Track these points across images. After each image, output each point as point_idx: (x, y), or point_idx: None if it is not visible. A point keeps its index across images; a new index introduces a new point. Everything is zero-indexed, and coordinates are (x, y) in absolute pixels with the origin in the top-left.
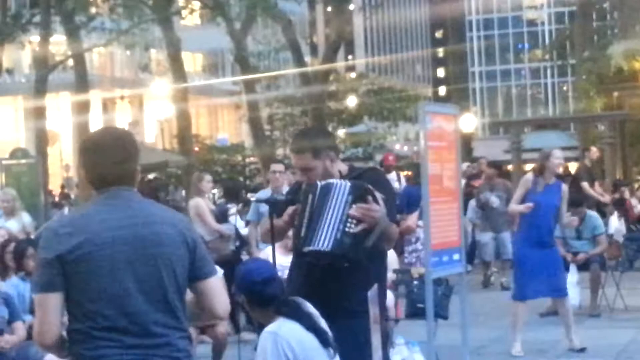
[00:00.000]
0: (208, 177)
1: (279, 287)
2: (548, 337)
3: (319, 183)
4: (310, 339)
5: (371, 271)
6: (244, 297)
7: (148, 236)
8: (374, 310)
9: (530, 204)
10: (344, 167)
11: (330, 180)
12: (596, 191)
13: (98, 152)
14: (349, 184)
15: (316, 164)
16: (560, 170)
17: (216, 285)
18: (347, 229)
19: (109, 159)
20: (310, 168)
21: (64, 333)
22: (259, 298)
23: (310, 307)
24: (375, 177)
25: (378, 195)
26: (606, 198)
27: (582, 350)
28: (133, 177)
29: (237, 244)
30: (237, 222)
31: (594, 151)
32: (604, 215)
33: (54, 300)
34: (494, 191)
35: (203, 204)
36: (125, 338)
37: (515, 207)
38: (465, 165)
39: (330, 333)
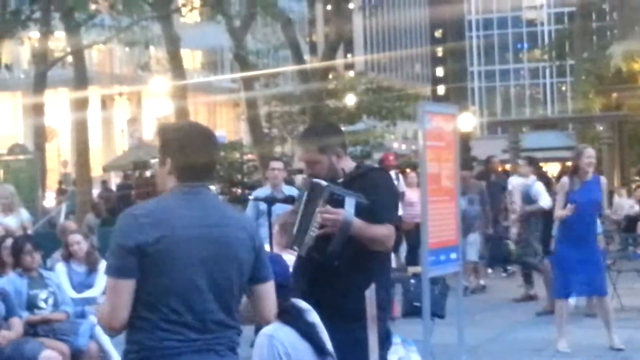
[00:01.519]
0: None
1: (287, 294)
2: (544, 335)
3: (312, 180)
4: (304, 347)
5: (370, 271)
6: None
7: (223, 238)
8: (371, 310)
9: (572, 206)
10: (350, 165)
11: (317, 181)
12: None
13: (191, 144)
14: (322, 185)
15: (321, 159)
16: (591, 168)
17: (270, 290)
18: (311, 233)
19: (199, 153)
20: (316, 162)
21: None
22: None
23: (313, 317)
24: (376, 178)
25: (349, 200)
26: None
27: (620, 350)
28: (213, 175)
29: None
30: None
31: None
32: None
33: (127, 287)
34: (466, 194)
35: None
36: (188, 332)
37: (559, 212)
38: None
39: (329, 344)
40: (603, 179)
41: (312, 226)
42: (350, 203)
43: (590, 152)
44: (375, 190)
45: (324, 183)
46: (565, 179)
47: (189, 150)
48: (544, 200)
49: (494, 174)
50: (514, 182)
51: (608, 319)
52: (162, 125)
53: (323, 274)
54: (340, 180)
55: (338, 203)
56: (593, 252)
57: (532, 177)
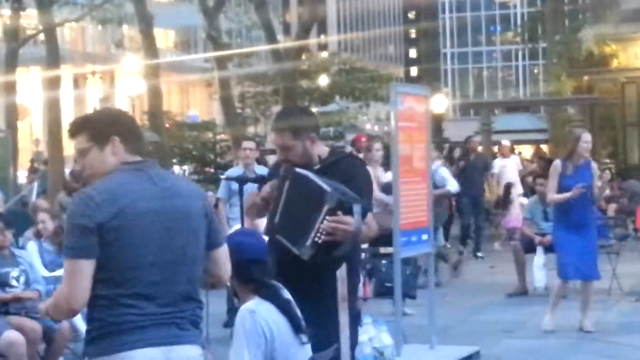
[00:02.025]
0: (377, 146)
1: (265, 270)
2: (514, 317)
3: (295, 170)
4: (284, 323)
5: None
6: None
7: (180, 209)
8: (342, 289)
9: (579, 188)
10: (324, 150)
11: (308, 174)
12: None
13: (132, 120)
14: (328, 191)
15: (295, 144)
16: (588, 153)
17: (225, 253)
18: (316, 239)
19: (139, 127)
20: (289, 147)
21: None
22: (241, 274)
23: (287, 294)
24: (351, 166)
25: (357, 207)
26: None
27: (589, 332)
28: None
29: None
30: None
31: None
32: None
33: (88, 267)
34: None
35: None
36: (149, 306)
37: (555, 197)
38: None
39: (303, 321)
40: (593, 164)
41: (316, 232)
42: (358, 211)
43: (587, 137)
44: (354, 179)
45: (328, 188)
46: (558, 162)
47: (133, 125)
48: (451, 185)
49: (474, 153)
50: (498, 164)
51: (587, 303)
52: (90, 114)
53: (295, 257)
54: (317, 167)
55: (346, 209)
56: (590, 237)
57: (437, 163)
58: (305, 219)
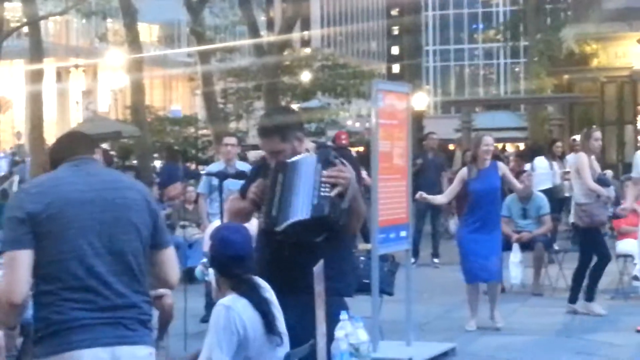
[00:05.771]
0: (597, 135)
1: (247, 267)
2: (489, 314)
3: (287, 161)
4: (258, 319)
5: (341, 248)
6: (210, 256)
7: (116, 199)
8: (318, 287)
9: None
10: (311, 145)
11: (297, 157)
12: None
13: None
14: (314, 154)
15: (284, 147)
16: (489, 156)
17: (172, 255)
18: (322, 194)
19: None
20: (279, 151)
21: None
22: (222, 268)
23: (268, 293)
24: (344, 156)
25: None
26: None
27: (497, 329)
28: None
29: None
30: None
31: None
32: None
33: (23, 257)
34: None
35: (585, 160)
36: (97, 299)
37: (439, 199)
38: None
39: (281, 324)
40: (500, 164)
41: (318, 189)
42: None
43: (488, 141)
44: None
45: (313, 153)
46: (464, 168)
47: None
48: None
49: (431, 151)
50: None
51: (495, 300)
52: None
53: (292, 251)
54: None
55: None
56: (492, 239)
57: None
58: (303, 189)
